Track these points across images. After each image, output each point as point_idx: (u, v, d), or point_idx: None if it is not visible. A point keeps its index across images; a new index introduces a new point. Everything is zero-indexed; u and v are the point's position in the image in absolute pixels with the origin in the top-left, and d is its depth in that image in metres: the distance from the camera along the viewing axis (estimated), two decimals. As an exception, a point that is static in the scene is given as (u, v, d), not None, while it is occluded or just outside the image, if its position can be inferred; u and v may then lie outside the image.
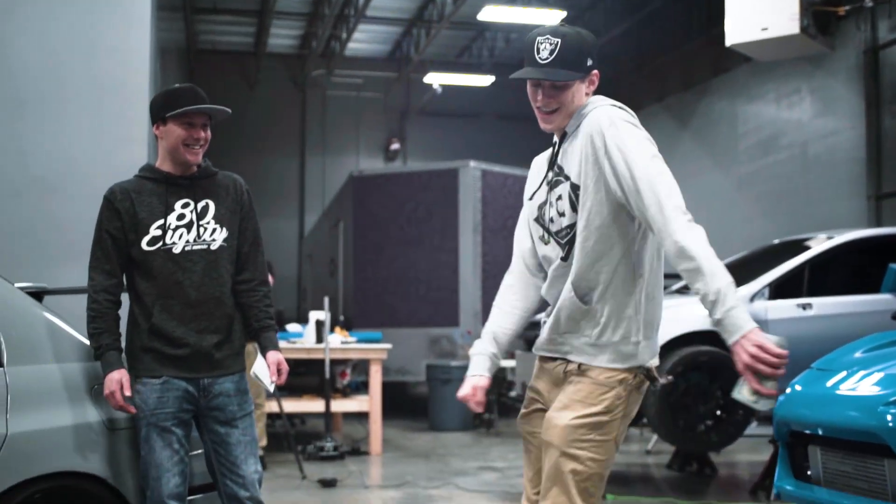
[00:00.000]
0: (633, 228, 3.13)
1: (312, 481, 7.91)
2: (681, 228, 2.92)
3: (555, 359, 3.25)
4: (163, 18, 12.49)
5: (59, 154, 8.92)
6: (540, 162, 3.42)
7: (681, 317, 7.42)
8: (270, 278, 8.73)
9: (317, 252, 18.62)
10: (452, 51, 21.31)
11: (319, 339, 9.78)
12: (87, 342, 3.87)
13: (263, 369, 4.04)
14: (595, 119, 3.11)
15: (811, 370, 5.18)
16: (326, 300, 9.82)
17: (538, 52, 3.13)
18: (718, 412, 7.28)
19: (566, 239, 3.19)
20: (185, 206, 3.89)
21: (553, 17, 16.15)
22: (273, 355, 3.98)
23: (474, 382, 3.32)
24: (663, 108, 19.47)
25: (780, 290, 7.69)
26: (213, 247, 3.88)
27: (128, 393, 3.73)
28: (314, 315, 10.01)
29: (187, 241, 3.84)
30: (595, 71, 3.21)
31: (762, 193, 16.26)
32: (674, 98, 19.17)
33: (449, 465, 9.14)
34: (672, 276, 13.70)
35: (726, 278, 2.90)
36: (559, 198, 3.20)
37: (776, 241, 9.08)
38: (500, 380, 11.63)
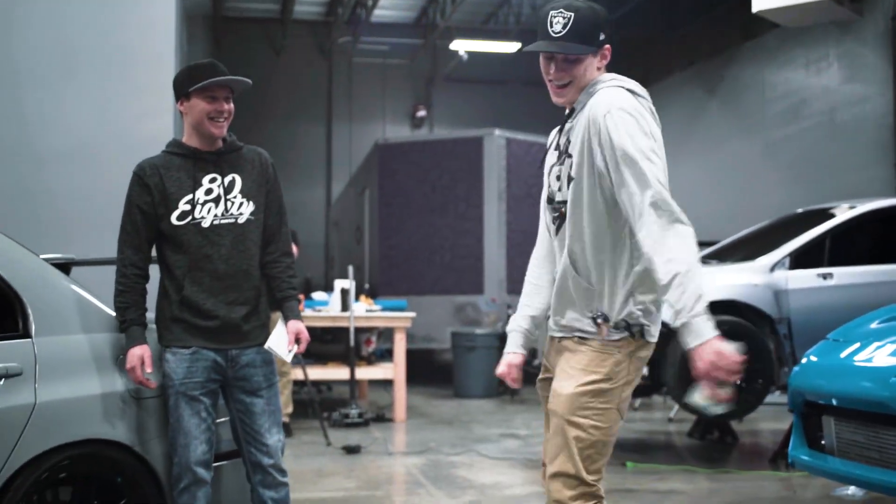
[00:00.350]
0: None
1: (337, 448, 8.05)
2: (656, 230, 2.95)
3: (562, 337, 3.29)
4: (188, -13, 12.52)
5: (85, 125, 9.02)
6: (554, 134, 3.46)
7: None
8: (295, 249, 8.85)
9: (343, 220, 18.72)
10: (478, 17, 21.22)
11: (345, 307, 9.89)
12: (113, 314, 3.98)
13: (279, 340, 4.07)
14: (598, 102, 3.14)
15: (826, 340, 5.23)
16: (351, 269, 9.92)
17: (551, 26, 3.16)
18: (737, 381, 7.32)
19: (559, 213, 3.26)
20: (212, 180, 3.96)
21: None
22: (294, 324, 4.06)
23: (509, 360, 3.46)
24: (692, 75, 19.37)
25: (801, 259, 7.70)
26: (241, 220, 3.96)
27: (149, 369, 3.83)
28: (339, 284, 10.12)
29: (216, 216, 3.93)
30: (607, 45, 3.24)
31: (789, 161, 16.18)
32: (702, 64, 19.06)
33: (472, 431, 9.25)
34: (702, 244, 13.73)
35: (694, 284, 2.90)
36: (560, 175, 3.28)
37: (799, 211, 9.07)
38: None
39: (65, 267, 5.40)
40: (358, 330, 10.38)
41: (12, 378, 3.53)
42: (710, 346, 2.85)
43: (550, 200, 3.34)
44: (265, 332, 4.06)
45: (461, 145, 13.64)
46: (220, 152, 4.02)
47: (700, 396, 2.88)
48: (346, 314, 9.74)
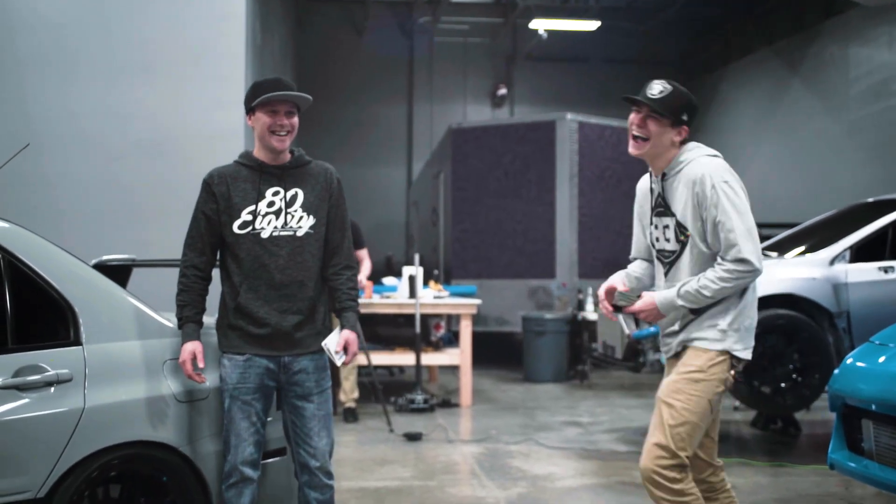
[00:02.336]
0: None
1: (399, 435, 8.24)
2: (723, 273, 3.83)
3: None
4: (263, -27, 12.71)
5: (158, 118, 9.32)
6: (645, 184, 4.26)
7: (759, 279, 7.43)
8: (364, 254, 8.99)
9: (421, 200, 18.90)
10: (559, -5, 21.16)
11: (412, 293, 10.06)
12: (161, 320, 4.20)
13: (334, 342, 4.26)
14: (699, 171, 3.92)
15: (869, 343, 5.23)
16: (417, 256, 10.08)
17: (650, 89, 4.01)
18: (794, 375, 7.32)
19: (669, 260, 4.06)
20: (275, 193, 4.16)
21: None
22: (346, 334, 4.24)
23: (606, 285, 4.24)
24: (773, 53, 19.06)
25: (863, 252, 7.63)
26: (300, 233, 4.15)
27: (201, 364, 4.07)
28: (407, 270, 10.29)
29: (275, 227, 4.12)
30: (686, 127, 4.02)
31: (873, 141, 15.85)
32: (784, 42, 18.74)
33: (535, 418, 9.37)
34: (773, 226, 13.52)
35: (695, 301, 3.89)
36: (666, 227, 4.06)
37: (870, 200, 8.96)
38: (591, 332, 11.76)
39: (126, 268, 5.69)
40: (426, 315, 10.56)
41: (63, 384, 3.77)
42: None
43: (654, 247, 4.16)
44: (319, 340, 4.23)
45: (533, 129, 13.68)
46: (285, 167, 4.21)
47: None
48: (413, 301, 9.91)
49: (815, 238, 8.17)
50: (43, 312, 3.95)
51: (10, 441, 3.65)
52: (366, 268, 9.34)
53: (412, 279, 10.11)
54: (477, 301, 10.40)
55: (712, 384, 3.90)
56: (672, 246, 4.02)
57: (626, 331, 7.76)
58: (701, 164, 3.94)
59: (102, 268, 5.49)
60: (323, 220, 4.23)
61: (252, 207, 4.13)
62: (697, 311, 3.93)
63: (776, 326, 7.28)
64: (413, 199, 21.24)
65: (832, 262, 7.51)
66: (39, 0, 9.26)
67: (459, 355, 10.14)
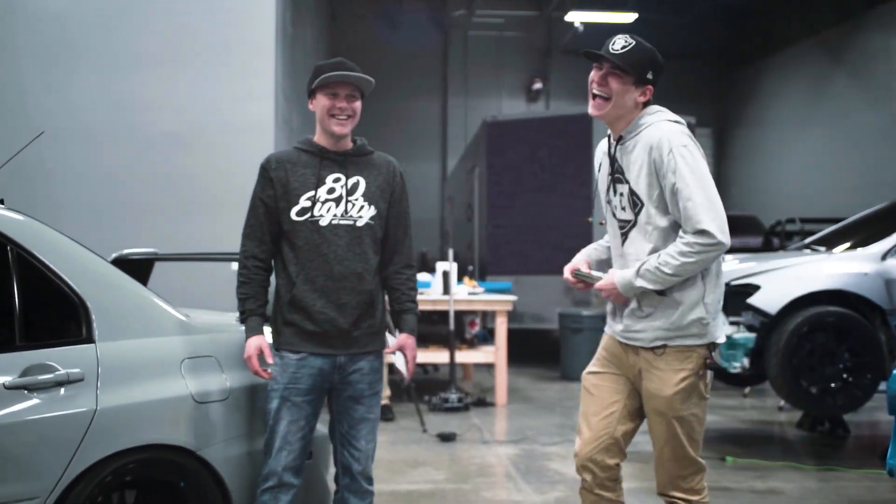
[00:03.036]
0: None
1: (432, 435, 8.01)
2: (683, 248, 3.55)
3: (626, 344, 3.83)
4: (295, -34, 12.54)
5: (186, 110, 9.17)
6: (604, 148, 3.92)
7: (806, 275, 7.15)
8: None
9: (456, 195, 18.67)
10: (595, -13, 20.84)
11: (446, 290, 9.83)
12: (179, 316, 3.98)
13: (401, 360, 4.17)
14: (655, 137, 3.61)
15: (930, 343, 4.92)
16: (451, 252, 9.84)
17: (612, 44, 3.68)
18: (845, 375, 7.00)
19: (624, 231, 3.74)
20: (336, 180, 3.98)
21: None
22: (403, 339, 4.08)
23: (571, 266, 4.01)
24: (815, 44, 18.66)
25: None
26: (359, 223, 3.96)
27: (269, 360, 3.91)
28: (441, 266, 10.06)
29: (334, 215, 3.93)
30: (651, 87, 3.70)
31: (919, 133, 15.47)
32: (827, 33, 18.33)
33: (572, 418, 9.10)
34: (818, 221, 13.14)
35: (656, 279, 3.61)
36: (622, 195, 3.73)
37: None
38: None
39: (147, 263, 5.50)
40: (461, 312, 10.32)
41: (74, 384, 3.55)
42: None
43: (615, 217, 3.80)
44: (377, 340, 4.06)
45: (569, 123, 13.39)
46: (347, 153, 4.03)
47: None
48: (447, 297, 9.67)
49: (865, 232, 7.84)
50: (54, 309, 3.73)
51: (17, 444, 3.43)
52: None
53: (446, 275, 9.88)
54: (512, 297, 10.14)
55: (702, 378, 3.71)
56: (627, 215, 3.71)
57: None
58: (660, 128, 3.63)
59: (123, 262, 5.33)
60: (383, 214, 4.04)
61: (311, 193, 3.94)
62: (662, 291, 3.64)
63: (825, 324, 6.96)
64: (448, 194, 21.01)
65: (884, 256, 7.18)
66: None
67: (494, 353, 9.90)
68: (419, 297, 9.51)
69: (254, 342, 3.90)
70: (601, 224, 3.93)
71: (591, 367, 3.97)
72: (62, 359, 3.58)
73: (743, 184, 22.88)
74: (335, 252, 3.91)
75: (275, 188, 3.96)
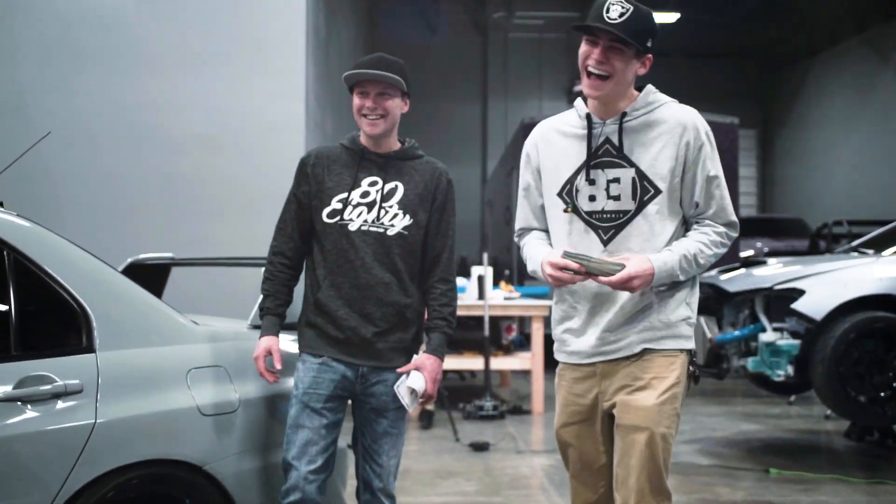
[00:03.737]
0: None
1: (465, 444, 7.77)
2: (716, 238, 3.26)
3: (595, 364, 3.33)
4: (331, -34, 12.41)
5: (216, 111, 9.04)
6: (558, 129, 3.40)
7: (853, 279, 6.84)
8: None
9: (496, 199, 18.45)
10: (636, -13, 20.51)
11: (481, 295, 9.61)
12: (186, 323, 3.79)
13: (404, 388, 3.72)
14: (686, 116, 3.25)
15: None
16: (486, 256, 9.62)
17: (607, 12, 3.13)
18: (895, 383, 6.68)
19: (614, 223, 3.24)
20: (372, 184, 3.76)
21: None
22: (421, 359, 3.75)
23: (550, 258, 3.32)
24: (861, 42, 18.24)
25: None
26: (390, 232, 3.72)
27: (277, 365, 3.70)
28: (476, 270, 9.84)
29: (365, 221, 3.72)
30: (650, 56, 3.23)
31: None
32: (873, 30, 17.89)
33: (610, 427, 8.83)
34: (865, 223, 12.80)
35: (678, 269, 3.18)
36: (614, 181, 3.24)
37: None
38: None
39: (165, 267, 5.33)
40: (497, 317, 10.09)
41: (72, 395, 3.36)
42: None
43: (578, 209, 3.29)
44: (403, 355, 3.80)
45: (609, 123, 13.12)
46: (388, 156, 3.80)
47: None
48: (482, 302, 9.44)
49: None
50: (53, 317, 3.55)
51: (11, 459, 3.24)
52: None
53: (481, 280, 9.66)
54: (549, 302, 9.87)
55: (682, 392, 3.26)
56: (623, 205, 3.21)
57: (709, 335, 7.19)
58: (682, 108, 3.27)
59: (139, 267, 5.15)
60: (421, 224, 3.77)
61: (344, 195, 3.74)
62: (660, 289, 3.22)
63: (874, 330, 6.65)
64: (487, 197, 20.79)
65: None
66: (95, -8, 9.03)
67: (531, 359, 9.66)
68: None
69: (264, 342, 3.72)
70: (564, 212, 3.31)
71: (560, 419, 3.44)
72: (60, 369, 3.38)
73: (788, 185, 22.45)
74: (362, 259, 3.70)
75: (310, 184, 3.80)
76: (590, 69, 3.19)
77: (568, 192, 3.30)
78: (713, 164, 3.23)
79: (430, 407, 8.76)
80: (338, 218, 3.72)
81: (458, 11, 21.99)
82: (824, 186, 20.05)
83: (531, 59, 22.46)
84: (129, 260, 5.13)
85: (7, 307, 3.40)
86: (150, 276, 5.14)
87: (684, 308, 3.26)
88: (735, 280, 7.31)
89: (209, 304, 5.63)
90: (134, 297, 3.72)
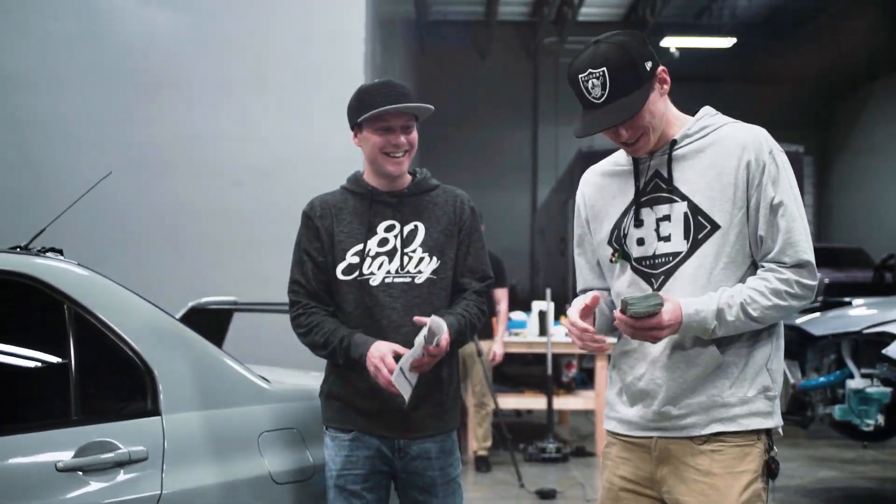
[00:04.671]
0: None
1: (530, 491, 7.41)
2: (778, 285, 2.63)
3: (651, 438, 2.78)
4: (387, -7, 12.21)
5: (273, 141, 8.81)
6: (605, 170, 2.95)
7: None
8: (503, 295, 8.34)
9: (548, 228, 18.16)
10: (690, 11, 20.16)
11: (542, 331, 9.27)
12: (258, 382, 3.49)
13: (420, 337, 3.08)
14: (747, 135, 2.70)
15: None
16: (549, 291, 9.30)
17: (588, 92, 2.67)
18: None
19: (664, 268, 2.73)
20: (389, 228, 3.30)
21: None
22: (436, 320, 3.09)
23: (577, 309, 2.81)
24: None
25: None
26: (419, 280, 3.26)
27: (404, 364, 3.05)
28: (537, 305, 9.51)
29: (388, 272, 3.25)
30: (660, 68, 2.72)
31: None
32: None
33: (680, 472, 8.45)
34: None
35: (733, 316, 2.61)
36: (664, 219, 2.74)
37: None
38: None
39: (227, 313, 5.06)
40: (557, 354, 9.74)
41: (136, 464, 3.07)
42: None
43: (627, 255, 2.81)
44: (447, 419, 3.33)
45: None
46: (402, 194, 3.33)
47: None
48: (544, 339, 9.10)
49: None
50: (116, 376, 3.28)
51: (71, 536, 2.97)
52: (503, 309, 8.66)
53: (542, 315, 9.32)
54: (614, 339, 9.52)
55: (765, 486, 2.69)
56: (674, 246, 2.71)
57: (791, 380, 6.81)
58: (744, 126, 2.73)
59: (200, 312, 4.88)
60: (449, 262, 3.30)
61: (359, 247, 3.26)
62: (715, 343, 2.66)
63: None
64: (539, 225, 20.49)
65: None
66: (150, 20, 8.84)
67: (595, 399, 9.29)
68: (514, 339, 9.00)
69: (377, 351, 3.10)
70: (612, 261, 2.84)
71: None
72: (124, 435, 3.11)
73: (847, 214, 21.92)
74: (389, 317, 3.23)
75: (321, 239, 3.31)
76: (624, 141, 2.73)
77: (616, 239, 2.83)
78: (779, 189, 2.63)
79: (483, 452, 8.42)
80: (356, 273, 3.25)
81: (509, 37, 21.74)
82: (886, 216, 19.54)
83: (583, 85, 22.18)
84: (191, 304, 4.87)
85: (67, 365, 3.13)
86: (212, 320, 4.89)
87: (764, 376, 2.69)
88: (819, 322, 6.93)
89: (273, 350, 5.34)
90: (201, 352, 3.43)
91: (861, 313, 6.80)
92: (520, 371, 9.91)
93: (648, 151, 2.76)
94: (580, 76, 2.67)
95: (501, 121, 21.93)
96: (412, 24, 18.77)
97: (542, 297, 9.55)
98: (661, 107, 2.73)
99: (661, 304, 2.53)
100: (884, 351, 6.39)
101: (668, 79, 2.73)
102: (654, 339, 2.63)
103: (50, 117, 8.50)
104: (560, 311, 11.17)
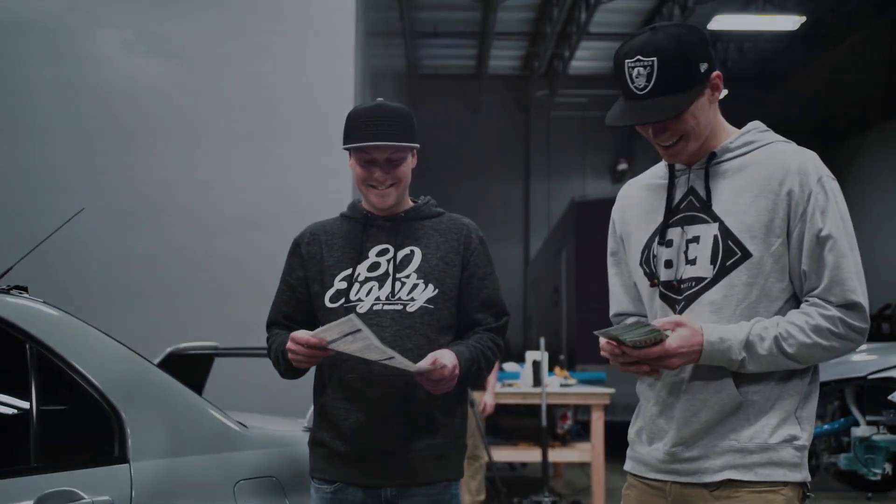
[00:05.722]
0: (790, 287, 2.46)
1: (527, 547, 7.18)
2: (822, 322, 2.36)
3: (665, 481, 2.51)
4: (375, 45, 12.19)
5: (264, 190, 8.69)
6: (644, 183, 2.71)
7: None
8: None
9: (541, 280, 18.02)
10: (681, 65, 20.25)
11: (537, 382, 9.06)
12: (234, 427, 3.29)
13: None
14: (793, 158, 2.45)
15: None
16: (542, 341, 9.10)
17: (632, 80, 2.40)
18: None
19: (687, 294, 2.46)
20: (381, 252, 3.03)
21: (789, 22, 14.96)
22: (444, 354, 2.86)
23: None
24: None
25: None
26: (410, 308, 2.96)
27: (311, 339, 2.75)
28: (531, 355, 9.31)
29: (377, 299, 2.96)
30: (715, 72, 2.44)
31: None
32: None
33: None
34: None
35: (765, 351, 2.35)
36: (693, 240, 2.47)
37: None
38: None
39: (208, 358, 4.86)
40: (552, 405, 9.52)
41: (100, 515, 2.86)
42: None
43: (655, 277, 2.55)
44: (443, 465, 2.97)
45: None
46: (399, 218, 3.08)
47: None
48: (538, 390, 8.89)
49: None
50: (82, 421, 3.06)
51: None
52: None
53: (537, 365, 9.11)
54: (610, 390, 9.32)
55: None
56: (699, 271, 2.44)
57: None
58: (793, 148, 2.49)
59: (180, 357, 4.69)
60: (450, 293, 3.00)
61: (348, 272, 3.00)
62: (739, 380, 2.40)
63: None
64: (532, 278, 20.34)
65: None
66: (135, 68, 8.73)
67: (591, 451, 9.05)
68: (508, 390, 8.80)
69: (290, 345, 2.82)
70: (652, 286, 2.57)
71: None
72: (88, 483, 2.88)
73: (841, 265, 21.85)
74: None
75: (305, 268, 3.07)
76: (661, 145, 2.50)
77: (646, 260, 2.58)
78: (828, 220, 2.36)
79: (478, 505, 8.19)
80: (342, 300, 2.99)
81: (501, 90, 21.80)
82: (880, 266, 19.43)
83: (574, 138, 22.16)
84: (169, 349, 4.68)
85: (28, 409, 2.92)
86: (192, 366, 4.70)
87: (792, 424, 2.39)
88: (821, 368, 6.75)
89: (255, 398, 5.14)
90: (175, 397, 3.23)
91: (863, 358, 6.63)
92: (513, 423, 9.67)
93: (686, 161, 2.53)
94: (627, 61, 2.41)
95: (493, 174, 21.91)
96: (403, 78, 18.78)
97: (536, 348, 9.36)
98: (709, 114, 2.47)
99: (655, 331, 2.29)
100: (890, 397, 6.21)
101: (722, 86, 2.49)
102: (669, 368, 2.38)
103: (29, 165, 8.38)
104: (554, 362, 10.99)
